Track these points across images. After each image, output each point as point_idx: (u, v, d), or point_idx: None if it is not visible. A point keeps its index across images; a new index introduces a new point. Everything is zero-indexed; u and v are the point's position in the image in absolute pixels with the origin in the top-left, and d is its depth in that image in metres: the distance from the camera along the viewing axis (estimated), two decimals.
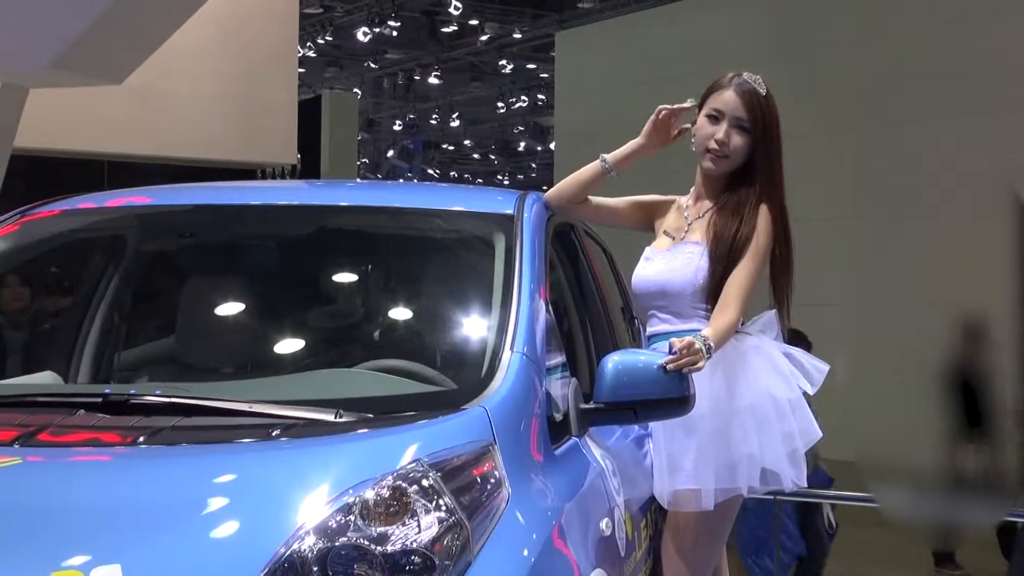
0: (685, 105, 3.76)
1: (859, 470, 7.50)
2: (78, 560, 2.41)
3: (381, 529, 2.49)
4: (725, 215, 3.67)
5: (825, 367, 3.73)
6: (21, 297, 7.74)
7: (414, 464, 2.63)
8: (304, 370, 3.47)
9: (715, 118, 3.69)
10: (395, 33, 21.61)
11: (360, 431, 2.80)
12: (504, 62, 24.58)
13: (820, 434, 3.71)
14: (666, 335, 3.56)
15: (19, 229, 3.78)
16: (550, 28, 21.32)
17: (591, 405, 3.23)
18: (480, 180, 35.09)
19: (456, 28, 22.62)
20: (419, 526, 2.51)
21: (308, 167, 16.72)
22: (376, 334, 3.82)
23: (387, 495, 2.54)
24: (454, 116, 28.07)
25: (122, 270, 4.12)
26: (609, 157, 3.77)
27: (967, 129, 12.41)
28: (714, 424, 3.54)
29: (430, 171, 32.39)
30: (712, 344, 3.33)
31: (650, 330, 3.77)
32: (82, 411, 2.91)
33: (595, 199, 3.87)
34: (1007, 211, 10.90)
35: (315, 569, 2.43)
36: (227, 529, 2.50)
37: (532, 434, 2.98)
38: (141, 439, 2.74)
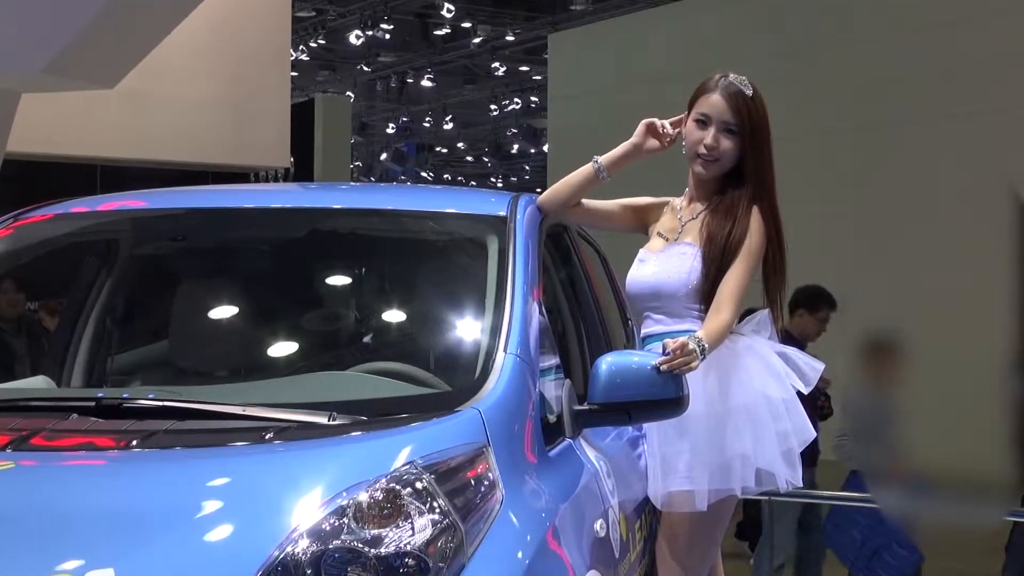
0: (672, 124, 3.76)
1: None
2: (72, 564, 2.40)
3: (375, 532, 2.49)
4: (718, 217, 3.67)
5: (820, 365, 3.73)
6: (16, 304, 7.74)
7: (408, 466, 2.62)
8: (297, 373, 3.47)
9: (703, 122, 3.69)
10: (388, 36, 21.62)
11: (354, 434, 2.80)
12: (497, 64, 24.60)
13: (814, 434, 3.72)
14: (660, 336, 3.56)
15: (12, 233, 3.77)
16: (543, 30, 21.34)
17: (585, 406, 3.23)
18: (474, 182, 35.07)
19: (449, 31, 22.63)
20: (413, 528, 2.51)
21: (301, 171, 16.73)
22: (369, 336, 3.82)
23: (381, 497, 2.54)
24: (447, 119, 28.08)
25: (115, 274, 4.12)
26: (602, 160, 3.77)
27: (967, 129, 12.42)
28: (708, 425, 3.54)
29: (423, 174, 32.40)
30: (706, 345, 3.33)
31: (644, 331, 3.77)
32: (75, 415, 2.90)
33: (588, 202, 3.87)
34: (1007, 211, 10.88)
35: (309, 572, 2.43)
36: (221, 532, 2.50)
37: (526, 436, 2.98)
38: (134, 443, 2.74)
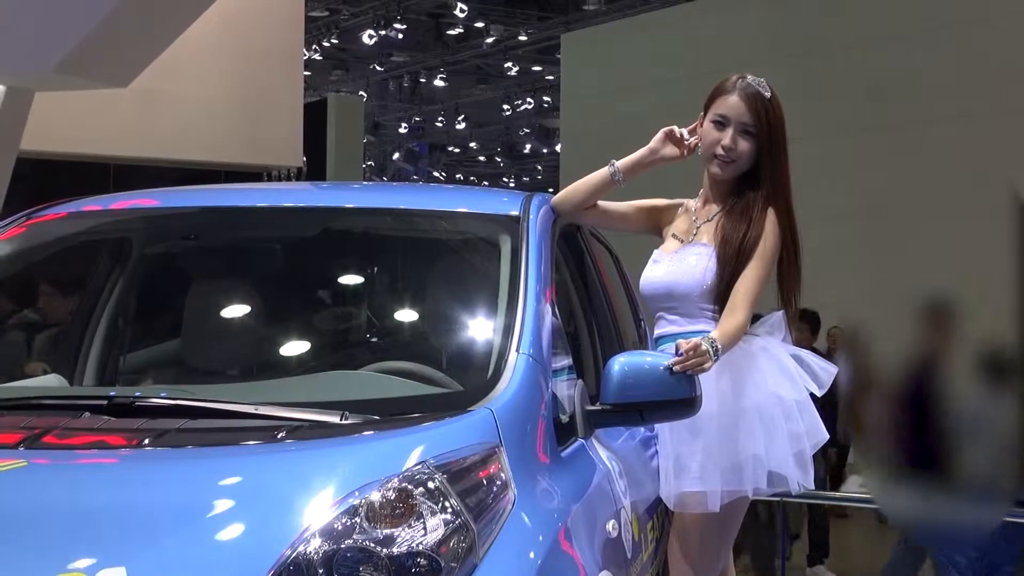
0: (689, 132, 3.76)
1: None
2: (83, 563, 2.40)
3: (387, 531, 2.49)
4: (733, 218, 3.67)
5: (833, 369, 3.73)
6: (58, 307, 7.70)
7: (420, 466, 2.62)
8: (309, 372, 3.47)
9: (721, 123, 3.68)
10: (401, 36, 21.65)
11: (366, 433, 2.79)
12: (510, 64, 24.62)
13: (827, 435, 3.71)
14: (673, 336, 3.55)
15: (25, 232, 3.78)
16: (556, 30, 21.33)
17: (597, 407, 3.22)
18: (486, 182, 35.09)
19: (462, 31, 22.65)
20: (425, 528, 2.51)
21: (314, 170, 16.73)
22: (381, 336, 3.81)
23: (393, 497, 2.54)
24: (460, 118, 28.10)
25: (128, 272, 4.12)
26: (619, 164, 3.76)
27: (968, 130, 12.38)
28: (721, 425, 3.53)
29: (436, 173, 32.42)
30: (719, 346, 3.32)
31: (657, 332, 3.76)
32: (87, 413, 2.90)
33: (602, 203, 3.86)
34: (1007, 211, 10.84)
35: (321, 571, 2.43)
36: (233, 531, 2.50)
37: (538, 436, 2.98)
38: (146, 441, 2.74)
